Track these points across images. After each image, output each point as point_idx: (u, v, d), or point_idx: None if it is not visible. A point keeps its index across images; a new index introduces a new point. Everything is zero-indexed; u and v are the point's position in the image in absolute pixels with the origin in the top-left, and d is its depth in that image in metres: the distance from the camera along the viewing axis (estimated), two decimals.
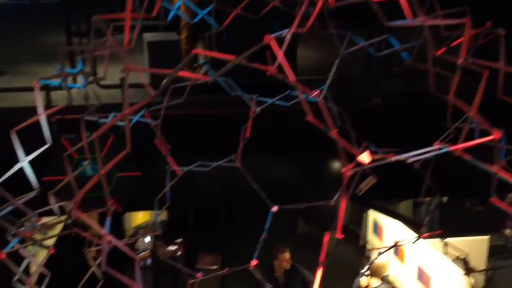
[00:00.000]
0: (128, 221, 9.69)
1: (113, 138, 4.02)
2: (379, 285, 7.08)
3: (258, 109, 2.31)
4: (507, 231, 11.51)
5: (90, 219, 1.17)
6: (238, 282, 6.84)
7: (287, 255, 6.86)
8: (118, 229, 9.05)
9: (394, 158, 1.37)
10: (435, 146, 1.42)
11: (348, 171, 1.36)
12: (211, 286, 9.27)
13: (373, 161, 1.30)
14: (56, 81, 1.84)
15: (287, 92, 2.41)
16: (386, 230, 8.69)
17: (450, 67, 1.65)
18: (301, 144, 5.13)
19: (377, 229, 9.09)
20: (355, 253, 10.42)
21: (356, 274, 7.59)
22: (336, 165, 5.31)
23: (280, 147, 5.14)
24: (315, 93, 1.45)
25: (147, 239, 9.48)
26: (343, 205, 1.41)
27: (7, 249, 1.30)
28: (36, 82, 1.54)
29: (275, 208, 1.90)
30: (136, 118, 2.03)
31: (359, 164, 1.29)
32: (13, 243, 1.32)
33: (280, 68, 1.33)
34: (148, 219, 10.02)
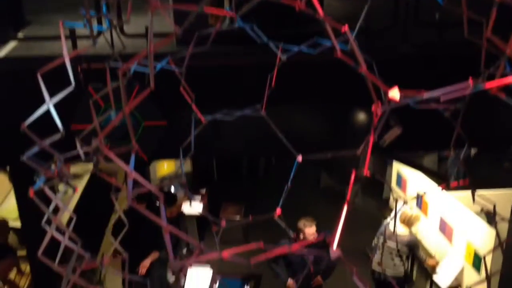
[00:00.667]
0: (153, 172, 9.85)
1: (138, 88, 4.03)
2: (405, 234, 7.18)
3: (285, 57, 2.28)
4: None
5: (116, 158, 1.18)
6: (261, 232, 6.96)
7: (313, 228, 6.62)
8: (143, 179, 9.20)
9: (427, 94, 1.30)
10: (469, 82, 1.32)
11: (378, 109, 1.30)
12: (234, 235, 9.49)
13: (403, 97, 1.24)
14: (80, 24, 1.83)
15: (314, 39, 2.36)
16: (410, 183, 8.67)
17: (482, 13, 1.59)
18: (327, 94, 5.07)
19: (400, 182, 9.08)
20: (378, 206, 10.48)
21: (379, 226, 7.66)
22: (362, 116, 5.26)
23: (306, 97, 5.09)
24: (344, 28, 1.38)
25: (173, 189, 9.66)
26: (370, 146, 1.37)
27: (35, 187, 1.33)
28: (61, 23, 1.54)
29: (299, 158, 1.89)
30: (160, 64, 2.02)
31: (389, 101, 1.24)
32: (40, 182, 1.35)
33: (308, 3, 1.28)
34: (173, 170, 10.16)
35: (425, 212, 8.03)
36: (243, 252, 1.22)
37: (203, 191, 9.74)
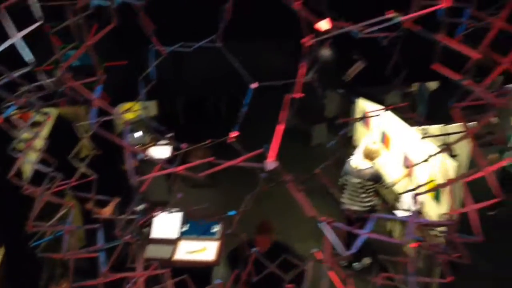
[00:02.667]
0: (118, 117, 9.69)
1: (97, 27, 3.88)
2: (369, 167, 7.35)
3: None
4: (492, 119, 11.77)
5: (81, 87, 1.17)
6: (229, 175, 7.00)
7: (270, 237, 5.97)
8: (108, 124, 9.09)
9: (353, 27, 1.36)
10: (388, 16, 1.42)
11: (308, 40, 1.36)
12: (203, 179, 9.55)
13: (332, 28, 1.29)
14: None
15: None
16: (373, 119, 8.80)
17: None
18: (279, 29, 4.98)
19: (364, 119, 9.21)
20: (343, 144, 10.64)
21: (344, 163, 7.81)
22: (324, 52, 5.24)
23: (262, 32, 5.00)
24: None
25: (138, 133, 9.58)
26: (301, 72, 1.44)
27: (5, 115, 1.32)
28: None
29: (254, 85, 1.91)
30: None
31: (320, 33, 1.29)
32: (11, 110, 1.34)
33: None
34: (138, 114, 10.03)
35: (387, 146, 8.22)
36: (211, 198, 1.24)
37: (170, 135, 9.67)
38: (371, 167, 7.40)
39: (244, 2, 2.34)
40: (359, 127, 9.59)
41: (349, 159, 7.74)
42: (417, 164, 7.34)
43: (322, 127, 11.17)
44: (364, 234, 1.44)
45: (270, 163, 1.30)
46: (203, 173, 1.42)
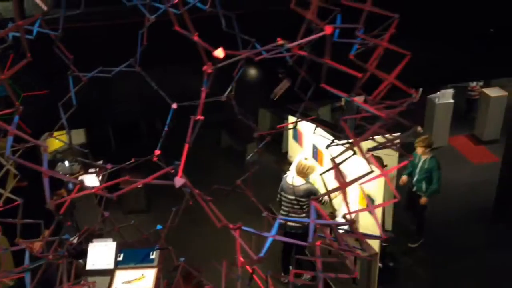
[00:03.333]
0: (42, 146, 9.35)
1: (13, 57, 3.73)
2: (302, 184, 7.42)
3: (153, 18, 2.24)
4: (418, 129, 12.34)
5: None
6: (165, 201, 6.88)
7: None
8: (35, 157, 8.74)
9: (246, 54, 1.51)
10: (278, 42, 1.59)
11: (208, 68, 1.51)
12: (138, 205, 9.41)
13: (226, 56, 1.43)
14: None
15: None
16: (305, 135, 8.95)
17: None
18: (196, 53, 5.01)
19: (297, 135, 9.34)
20: (277, 160, 10.76)
21: (280, 180, 7.87)
22: (252, 72, 5.29)
23: (181, 56, 5.01)
24: None
25: (66, 163, 9.26)
26: (203, 96, 1.51)
27: None
28: None
29: (174, 105, 1.99)
30: (35, 29, 1.89)
31: (219, 60, 1.42)
32: None
33: None
34: (65, 143, 9.71)
35: (320, 162, 8.36)
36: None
37: (100, 162, 9.42)
38: (305, 183, 7.48)
39: (161, 29, 2.37)
40: (292, 143, 9.72)
41: (285, 175, 7.81)
42: (353, 178, 7.55)
43: (255, 145, 11.25)
44: (270, 236, 1.51)
45: (178, 180, 1.38)
46: (117, 193, 1.44)
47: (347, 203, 1.59)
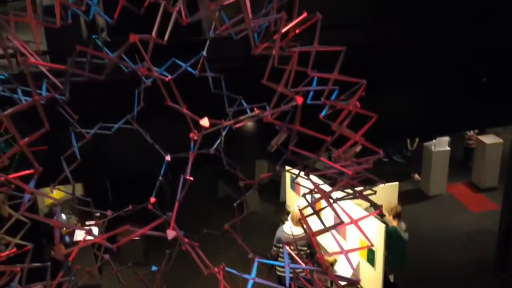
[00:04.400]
0: (41, 199, 9.32)
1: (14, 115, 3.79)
2: (302, 233, 7.33)
3: (149, 82, 2.36)
4: (416, 176, 12.37)
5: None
6: (162, 254, 6.81)
7: None
8: (31, 209, 8.69)
9: (227, 123, 1.72)
10: (255, 113, 1.83)
11: (194, 135, 1.68)
12: (135, 258, 9.28)
13: (211, 125, 1.62)
14: None
15: (170, 61, 2.57)
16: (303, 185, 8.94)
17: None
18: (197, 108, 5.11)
19: (294, 185, 9.34)
20: (275, 210, 10.72)
21: (276, 228, 7.80)
22: (249, 126, 5.34)
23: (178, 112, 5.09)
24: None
25: (63, 215, 9.21)
26: (191, 158, 1.71)
27: None
28: None
29: (168, 157, 2.07)
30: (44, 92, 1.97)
31: (203, 128, 1.57)
32: None
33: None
34: (62, 196, 9.67)
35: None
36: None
37: (97, 214, 9.35)
38: (303, 233, 7.37)
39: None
40: (290, 193, 9.71)
41: (280, 227, 7.73)
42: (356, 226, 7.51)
43: (254, 194, 11.22)
44: (251, 279, 1.64)
45: (170, 232, 1.47)
46: (117, 244, 1.52)
47: (319, 250, 1.68)
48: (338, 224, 1.75)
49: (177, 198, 1.61)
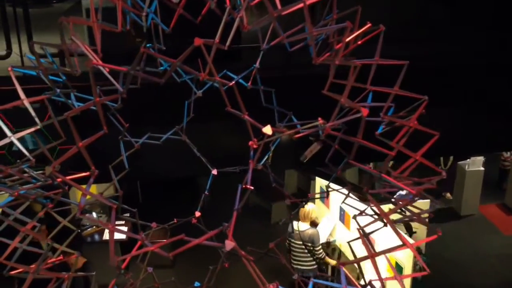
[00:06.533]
0: (73, 198, 9.51)
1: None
2: (307, 229, 7.67)
3: (200, 92, 2.38)
4: (447, 195, 12.16)
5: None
6: (189, 255, 6.85)
7: None
8: (65, 213, 8.87)
9: (287, 132, 1.68)
10: (317, 122, 1.81)
11: (254, 144, 1.66)
12: (163, 259, 9.30)
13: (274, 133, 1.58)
14: None
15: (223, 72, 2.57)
16: (332, 196, 8.88)
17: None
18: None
19: (323, 198, 9.28)
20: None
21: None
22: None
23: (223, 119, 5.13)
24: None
25: (94, 214, 9.37)
26: (250, 169, 1.69)
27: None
28: None
29: (214, 171, 2.06)
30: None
31: (265, 136, 1.56)
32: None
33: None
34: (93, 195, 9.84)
35: (347, 226, 8.25)
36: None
37: (127, 215, 9.49)
38: (310, 228, 7.69)
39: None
40: (320, 205, 9.64)
41: (290, 223, 8.02)
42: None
43: (282, 204, 11.20)
44: None
45: (229, 243, 1.42)
46: (174, 252, 1.50)
47: (378, 272, 1.61)
48: (395, 248, 1.67)
49: (235, 207, 1.61)
